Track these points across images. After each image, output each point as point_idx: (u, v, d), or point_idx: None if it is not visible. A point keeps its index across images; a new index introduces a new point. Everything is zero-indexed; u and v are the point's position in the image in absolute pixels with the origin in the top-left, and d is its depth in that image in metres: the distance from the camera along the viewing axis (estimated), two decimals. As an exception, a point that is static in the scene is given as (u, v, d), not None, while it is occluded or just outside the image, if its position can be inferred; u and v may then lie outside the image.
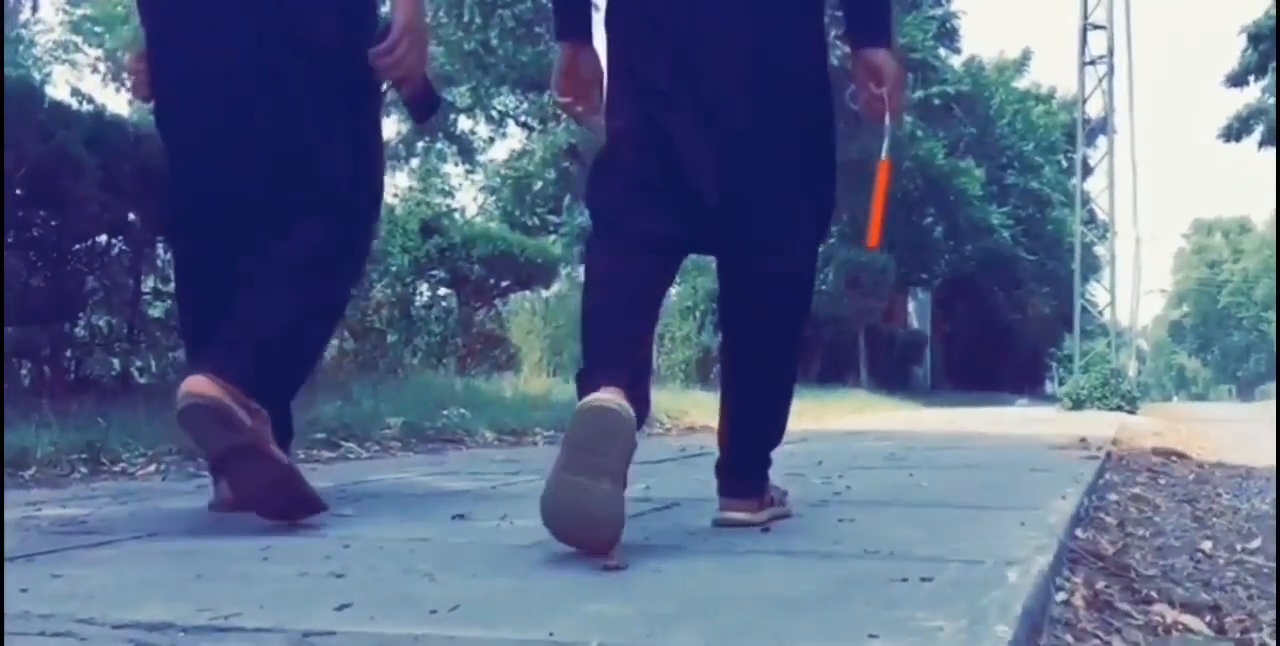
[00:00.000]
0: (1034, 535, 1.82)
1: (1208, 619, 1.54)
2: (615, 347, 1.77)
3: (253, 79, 2.13)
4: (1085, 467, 3.43)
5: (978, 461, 3.75)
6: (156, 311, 5.71)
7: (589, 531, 1.60)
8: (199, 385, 1.86)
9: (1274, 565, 2.12)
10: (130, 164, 4.76)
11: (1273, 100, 24.50)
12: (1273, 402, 33.85)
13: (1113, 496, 3.07)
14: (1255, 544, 2.38)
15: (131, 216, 5.16)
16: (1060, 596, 1.56)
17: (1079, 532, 2.19)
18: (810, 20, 1.93)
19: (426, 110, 2.36)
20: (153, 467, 3.17)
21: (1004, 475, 3.15)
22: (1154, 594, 1.63)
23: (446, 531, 1.91)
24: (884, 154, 1.88)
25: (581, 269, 14.82)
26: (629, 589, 1.39)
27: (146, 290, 5.52)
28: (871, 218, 1.91)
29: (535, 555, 1.66)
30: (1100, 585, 1.68)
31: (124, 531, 1.89)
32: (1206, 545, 2.32)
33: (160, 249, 5.70)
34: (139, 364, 5.40)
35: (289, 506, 1.96)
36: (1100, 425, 7.55)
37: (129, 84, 2.32)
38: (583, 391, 1.71)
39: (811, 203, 1.93)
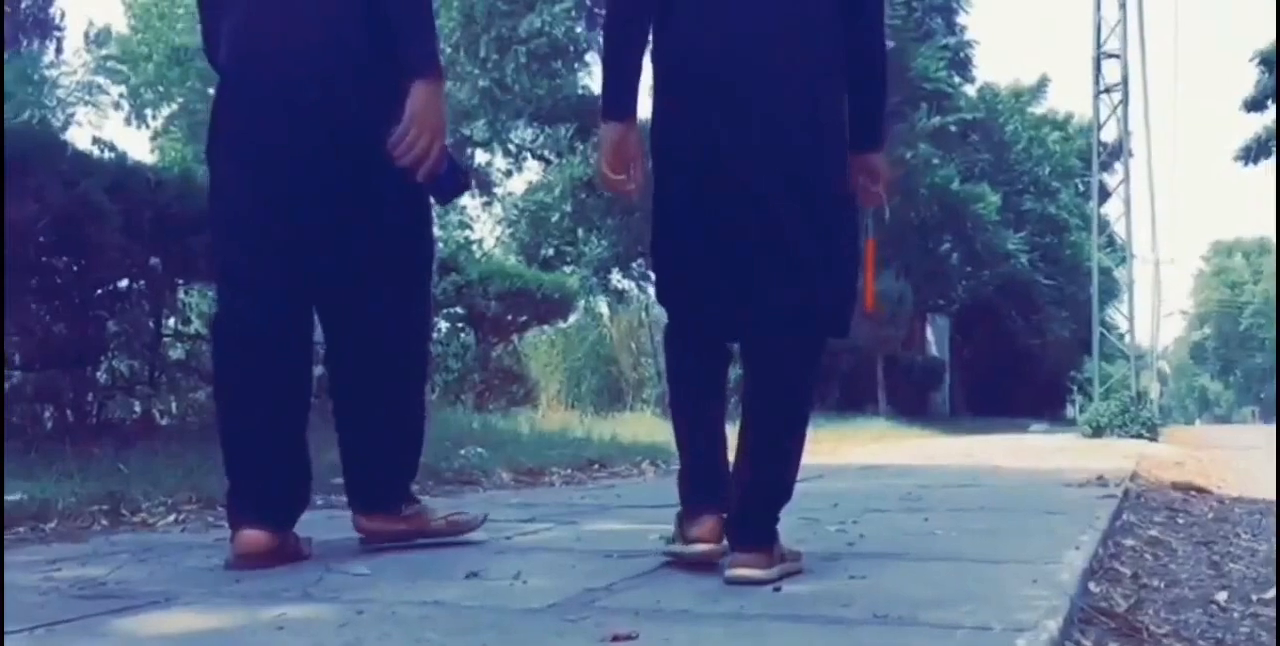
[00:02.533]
0: (1045, 595, 1.83)
1: (1218, 684, 1.54)
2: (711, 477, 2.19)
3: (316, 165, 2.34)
4: (1102, 509, 3.42)
5: (994, 502, 3.75)
6: (177, 353, 5.77)
7: None
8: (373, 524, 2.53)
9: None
10: (150, 209, 4.84)
11: (1290, 123, 24.44)
12: (1298, 425, 33.52)
13: (1129, 541, 3.06)
14: (1270, 594, 2.37)
15: (152, 260, 5.23)
16: (1070, 662, 1.57)
17: (1092, 586, 2.19)
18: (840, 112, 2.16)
19: (450, 192, 2.51)
20: (172, 518, 3.20)
21: (1019, 519, 3.15)
22: (1164, 657, 1.64)
23: (459, 593, 1.93)
24: (871, 233, 2.10)
25: (597, 300, 14.81)
26: (638, 662, 1.41)
27: (167, 332, 5.59)
28: (864, 285, 2.17)
29: (547, 621, 1.68)
30: (1111, 648, 1.68)
31: (142, 596, 1.91)
32: (1221, 596, 2.31)
33: (181, 292, 5.78)
34: (160, 406, 5.46)
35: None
36: (1119, 456, 7.51)
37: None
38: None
39: (834, 283, 2.11)
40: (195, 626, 1.67)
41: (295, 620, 1.69)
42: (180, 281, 5.53)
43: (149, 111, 24.60)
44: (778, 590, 1.90)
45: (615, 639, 1.52)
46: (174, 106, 24.45)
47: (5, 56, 13.61)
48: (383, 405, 2.51)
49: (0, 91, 4.38)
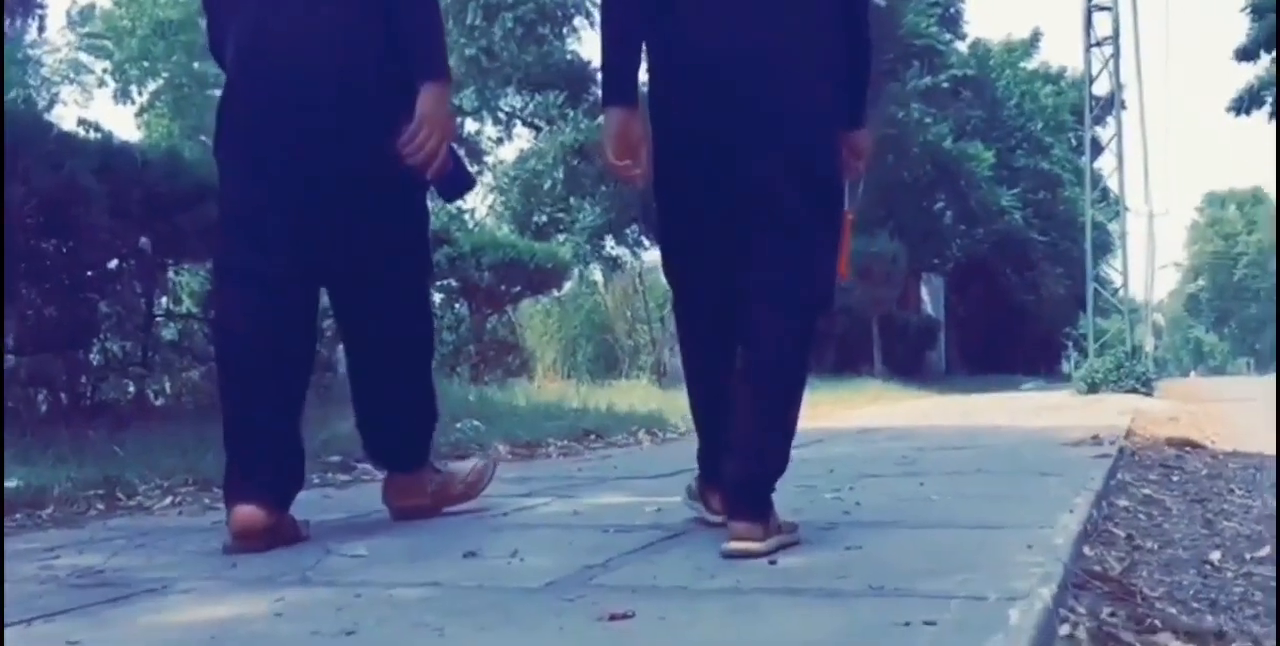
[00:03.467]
0: (1039, 560, 1.83)
1: (1211, 647, 1.56)
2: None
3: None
4: (1097, 469, 3.44)
5: (989, 464, 3.76)
6: (170, 333, 5.77)
7: None
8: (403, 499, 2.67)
9: (1282, 577, 2.13)
10: (139, 189, 4.81)
11: (1282, 73, 24.29)
12: (1293, 375, 33.66)
13: (1123, 501, 3.08)
14: (1264, 552, 2.39)
15: (142, 240, 5.20)
16: (1064, 630, 1.58)
17: (1086, 549, 2.20)
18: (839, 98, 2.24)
19: (456, 191, 2.62)
20: (169, 501, 3.20)
21: (1014, 482, 3.16)
22: (1158, 623, 1.65)
23: (457, 573, 1.94)
24: (849, 205, 2.31)
25: (593, 267, 14.79)
26: (634, 642, 1.41)
27: (159, 312, 5.57)
28: (840, 257, 2.24)
29: (544, 601, 1.68)
30: (1105, 613, 1.69)
31: (140, 583, 1.91)
32: (1215, 556, 2.32)
33: (172, 271, 5.76)
34: (154, 387, 5.46)
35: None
36: (1114, 413, 7.54)
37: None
38: None
39: (827, 259, 2.20)
40: (193, 614, 1.68)
41: (293, 605, 1.70)
42: (170, 261, 5.51)
43: (134, 87, 24.41)
44: (774, 563, 1.91)
45: (612, 618, 1.52)
46: (159, 81, 24.28)
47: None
48: (396, 378, 2.64)
49: (0, 91, 4.39)
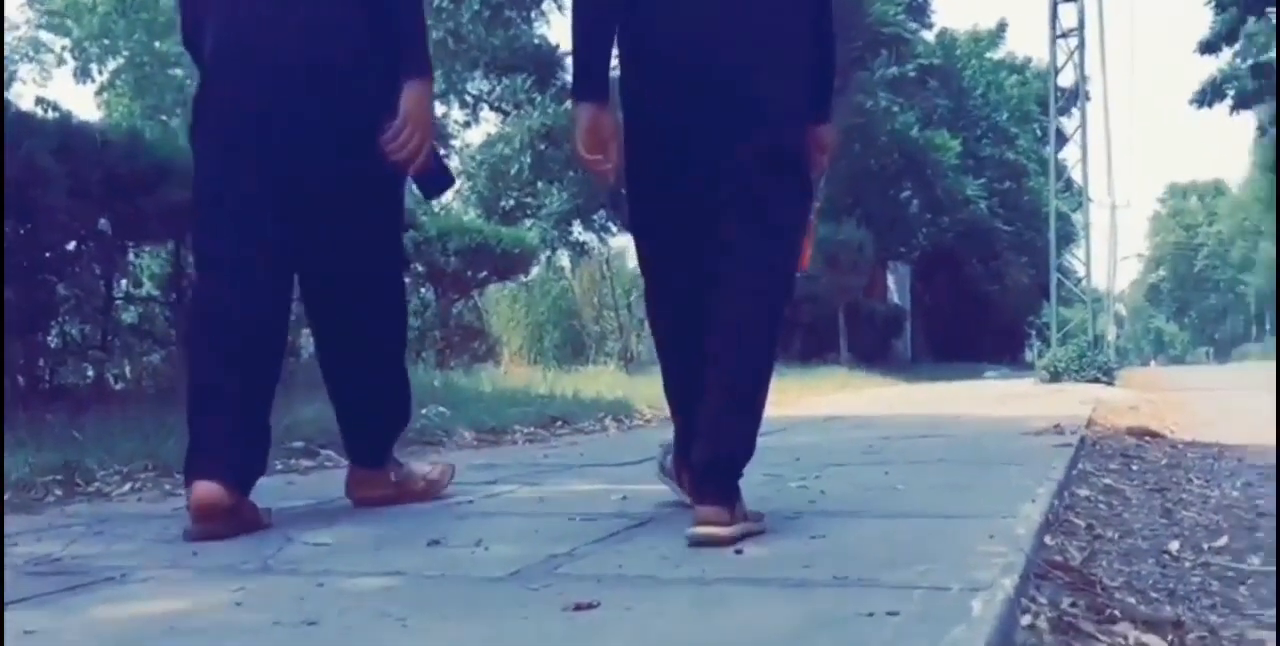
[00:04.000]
0: (1001, 551, 1.84)
1: (1169, 637, 1.57)
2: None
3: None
4: (1059, 459, 3.46)
5: (953, 453, 3.79)
6: (130, 316, 5.70)
7: None
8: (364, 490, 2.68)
9: (1238, 567, 2.16)
10: (98, 170, 4.73)
11: (1244, 65, 24.60)
12: (1248, 364, 34.20)
13: (1084, 491, 3.11)
14: (1221, 542, 2.43)
15: (102, 222, 5.13)
16: (1025, 619, 1.59)
17: (1048, 539, 2.22)
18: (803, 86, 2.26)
19: (437, 188, 2.65)
20: (128, 487, 3.16)
21: (977, 472, 3.18)
22: (1117, 612, 1.66)
23: (421, 562, 1.92)
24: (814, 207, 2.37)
25: (560, 252, 14.80)
26: (600, 632, 1.41)
27: (118, 295, 5.50)
28: (803, 249, 2.29)
29: (509, 591, 1.67)
30: (1066, 603, 1.71)
31: (98, 571, 1.89)
32: (1174, 546, 2.35)
33: (132, 254, 5.68)
34: (114, 370, 5.39)
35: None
36: (1075, 402, 7.62)
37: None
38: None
39: (794, 246, 2.25)
40: (151, 603, 1.66)
41: (254, 594, 1.68)
42: (131, 243, 5.44)
43: (94, 66, 24.02)
44: (740, 552, 1.91)
45: (578, 608, 1.52)
46: (120, 60, 23.90)
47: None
48: (367, 370, 2.67)
49: (1, 90, 4.35)
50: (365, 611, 1.55)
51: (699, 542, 1.97)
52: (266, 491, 3.09)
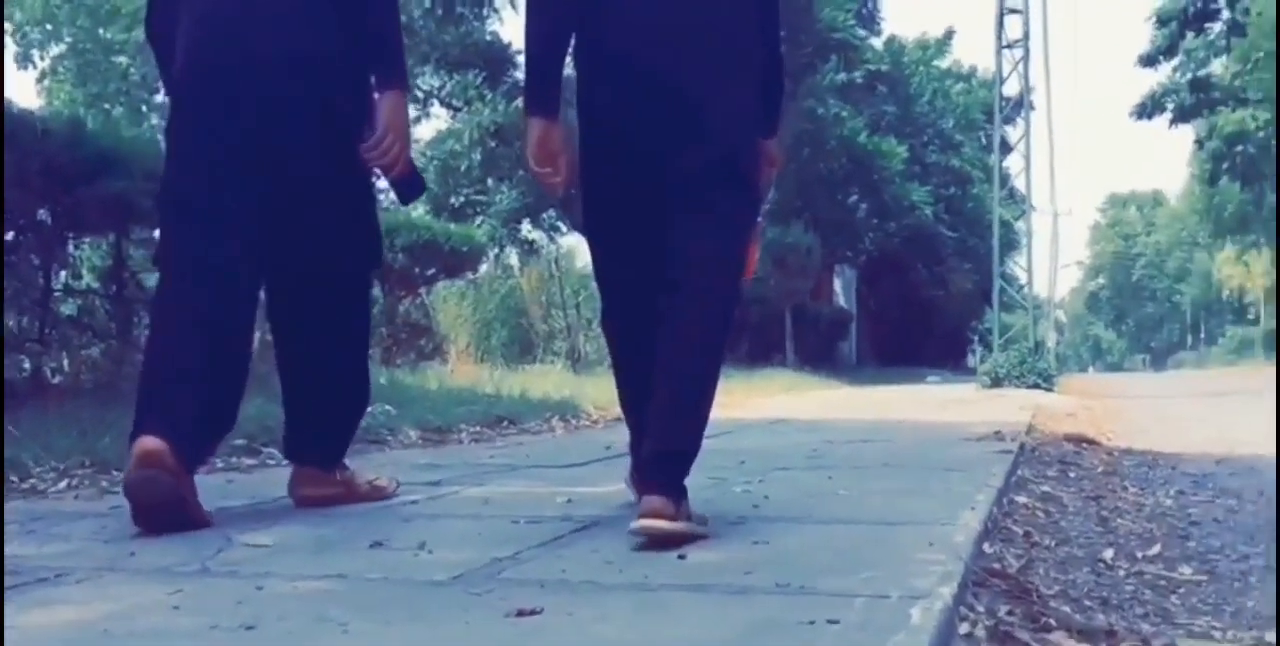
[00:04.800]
0: (940, 559, 1.87)
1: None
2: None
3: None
4: (998, 465, 3.52)
5: (895, 458, 3.83)
6: (68, 308, 5.60)
7: None
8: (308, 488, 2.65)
9: (1170, 575, 2.21)
10: (38, 159, 4.64)
11: (1184, 79, 25.13)
12: (1183, 372, 34.92)
13: (1022, 498, 3.16)
14: (1154, 550, 2.48)
15: (40, 213, 5.03)
16: (964, 628, 1.61)
17: (986, 546, 2.26)
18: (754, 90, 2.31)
19: (412, 194, 2.69)
20: (64, 484, 3.10)
21: (919, 477, 3.21)
22: (1053, 621, 1.69)
23: (363, 565, 1.91)
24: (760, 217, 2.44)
25: (509, 250, 14.72)
26: (542, 639, 1.41)
27: (57, 287, 5.40)
28: (748, 258, 2.32)
29: (452, 595, 1.67)
30: (1003, 612, 1.73)
31: (30, 572, 1.85)
32: (1108, 554, 2.40)
33: (71, 245, 5.58)
34: (51, 364, 5.29)
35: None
36: (1015, 408, 7.74)
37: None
38: None
39: (738, 257, 2.28)
40: (86, 605, 1.63)
41: (191, 597, 1.66)
42: (71, 234, 5.35)
43: (35, 52, 23.50)
44: (683, 557, 1.92)
45: (520, 613, 1.51)
46: (62, 46, 23.41)
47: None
48: (330, 369, 2.68)
49: (1, 90, 4.29)
50: (305, 615, 1.54)
51: (643, 534, 1.99)
52: (207, 490, 3.05)
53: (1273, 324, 35.86)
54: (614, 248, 2.38)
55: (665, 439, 2.10)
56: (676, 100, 2.19)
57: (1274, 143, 22.14)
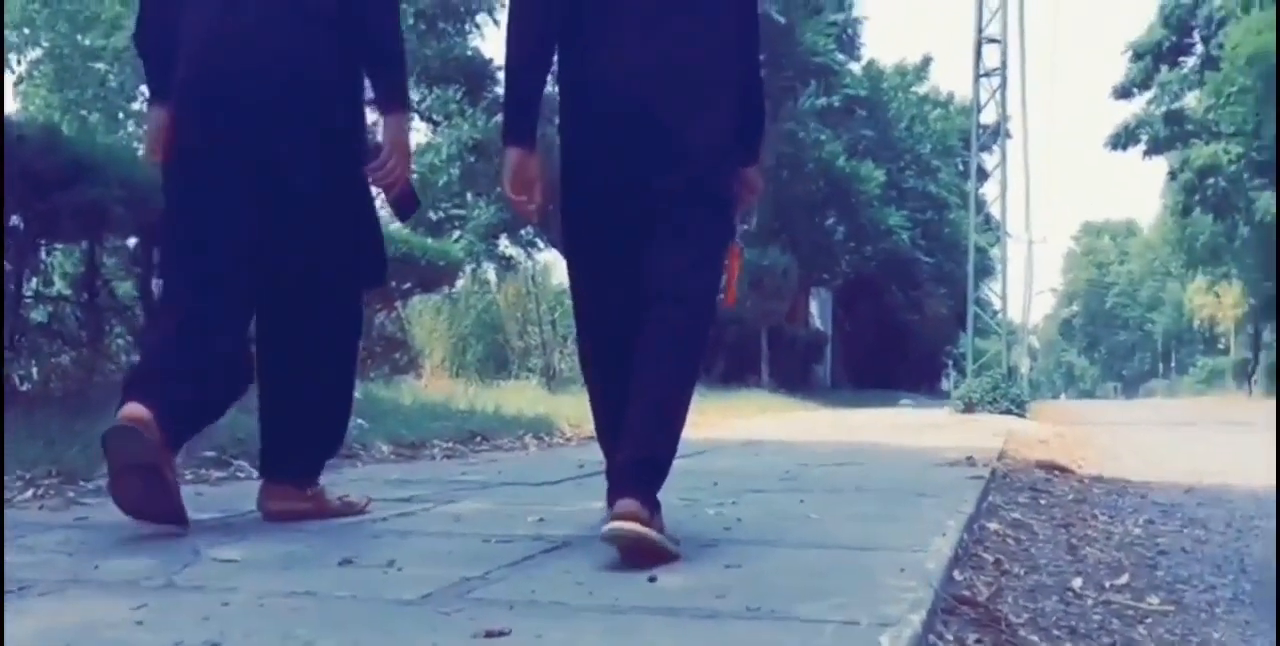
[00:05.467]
0: (911, 585, 1.87)
1: (1070, 676, 1.61)
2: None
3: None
4: (970, 491, 3.53)
5: (868, 482, 3.83)
6: (39, 315, 5.54)
7: None
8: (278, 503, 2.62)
9: (1137, 605, 2.22)
10: (13, 165, 4.60)
11: (1158, 112, 25.45)
12: (1154, 401, 35.19)
13: (993, 524, 3.17)
14: (1122, 579, 2.49)
15: (13, 219, 4.98)
16: (933, 655, 1.61)
17: (956, 574, 2.26)
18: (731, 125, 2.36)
19: (408, 211, 2.76)
20: (30, 493, 3.07)
21: (891, 502, 3.22)
22: (1021, 650, 1.70)
23: (332, 582, 1.89)
24: (738, 240, 2.47)
25: (486, 266, 14.69)
26: (510, 661, 1.40)
27: (28, 294, 5.34)
28: (728, 282, 2.39)
29: (420, 614, 1.66)
30: (971, 640, 1.74)
31: (-7, 585, 1.83)
32: (1077, 582, 2.41)
33: (44, 252, 5.53)
34: (20, 371, 5.23)
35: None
36: (988, 433, 7.77)
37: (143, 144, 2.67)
38: None
39: (709, 266, 2.33)
40: (48, 619, 1.60)
41: (156, 612, 1.64)
42: (43, 241, 5.30)
43: (13, 56, 23.31)
44: (653, 580, 1.91)
45: (488, 635, 1.50)
46: (39, 51, 23.25)
47: None
48: (311, 388, 2.69)
49: (1, 92, 4.33)
50: (271, 633, 1.52)
51: (615, 536, 1.99)
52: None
53: (1244, 354, 36.23)
54: (591, 267, 2.41)
55: (639, 446, 2.12)
56: (654, 126, 2.24)
57: (1247, 174, 22.43)
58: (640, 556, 2.00)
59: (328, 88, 2.54)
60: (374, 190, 2.76)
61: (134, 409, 2.25)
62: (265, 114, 2.47)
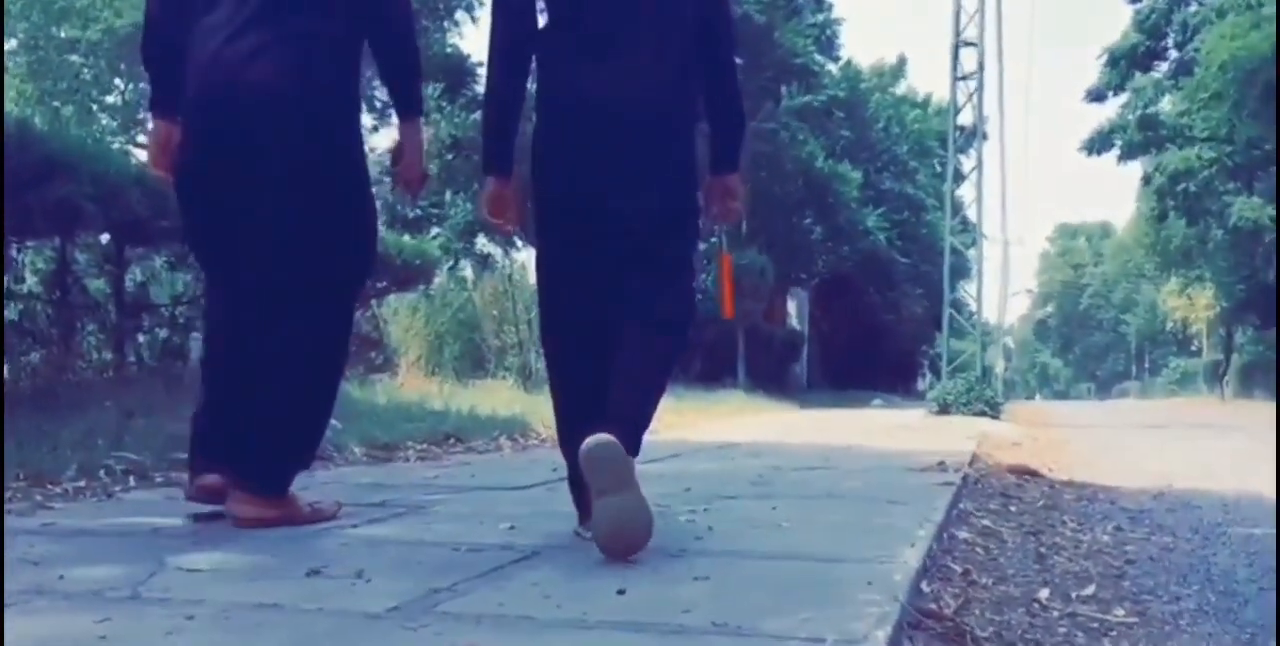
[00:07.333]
0: (878, 599, 1.88)
1: (1033, 691, 1.62)
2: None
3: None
4: (941, 499, 3.54)
5: (840, 488, 3.84)
6: (11, 313, 5.49)
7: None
8: (247, 510, 2.63)
9: (1103, 617, 2.24)
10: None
11: (1133, 117, 25.63)
12: (1127, 402, 35.47)
13: (963, 533, 3.19)
14: (1089, 590, 2.51)
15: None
16: (897, 672, 1.62)
17: (924, 585, 2.27)
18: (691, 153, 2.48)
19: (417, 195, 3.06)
20: (-4, 497, 3.04)
21: (862, 510, 3.23)
22: (985, 665, 1.71)
23: (298, 594, 1.88)
24: (726, 250, 2.47)
25: (464, 263, 14.66)
26: (475, 679, 1.40)
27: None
28: (724, 295, 2.41)
29: (387, 628, 1.65)
30: (936, 655, 1.75)
31: (-44, 596, 1.81)
32: (1043, 594, 2.43)
33: (14, 249, 5.48)
34: (-10, 370, 5.18)
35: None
36: (962, 436, 7.80)
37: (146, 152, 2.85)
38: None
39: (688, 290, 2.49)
40: (12, 635, 1.59)
41: (120, 626, 1.63)
42: (14, 239, 5.25)
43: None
44: (622, 593, 1.91)
45: (455, 651, 1.50)
46: (13, 42, 23.03)
47: None
48: (302, 390, 2.73)
49: (1, 92, 4.36)
50: (236, 649, 1.52)
51: (593, 455, 2.12)
52: (144, 506, 3.01)
53: (1216, 356, 36.56)
54: (561, 279, 2.51)
55: (618, 412, 2.23)
56: (617, 149, 2.35)
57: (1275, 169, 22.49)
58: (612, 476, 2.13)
59: (328, 102, 2.66)
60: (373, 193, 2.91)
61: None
62: (271, 131, 2.56)
